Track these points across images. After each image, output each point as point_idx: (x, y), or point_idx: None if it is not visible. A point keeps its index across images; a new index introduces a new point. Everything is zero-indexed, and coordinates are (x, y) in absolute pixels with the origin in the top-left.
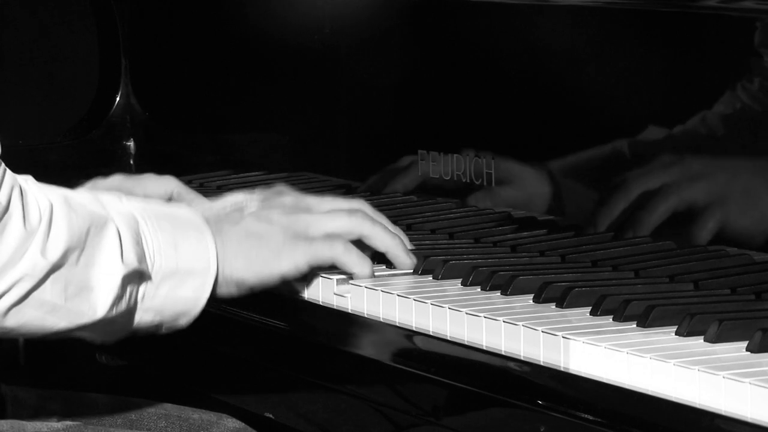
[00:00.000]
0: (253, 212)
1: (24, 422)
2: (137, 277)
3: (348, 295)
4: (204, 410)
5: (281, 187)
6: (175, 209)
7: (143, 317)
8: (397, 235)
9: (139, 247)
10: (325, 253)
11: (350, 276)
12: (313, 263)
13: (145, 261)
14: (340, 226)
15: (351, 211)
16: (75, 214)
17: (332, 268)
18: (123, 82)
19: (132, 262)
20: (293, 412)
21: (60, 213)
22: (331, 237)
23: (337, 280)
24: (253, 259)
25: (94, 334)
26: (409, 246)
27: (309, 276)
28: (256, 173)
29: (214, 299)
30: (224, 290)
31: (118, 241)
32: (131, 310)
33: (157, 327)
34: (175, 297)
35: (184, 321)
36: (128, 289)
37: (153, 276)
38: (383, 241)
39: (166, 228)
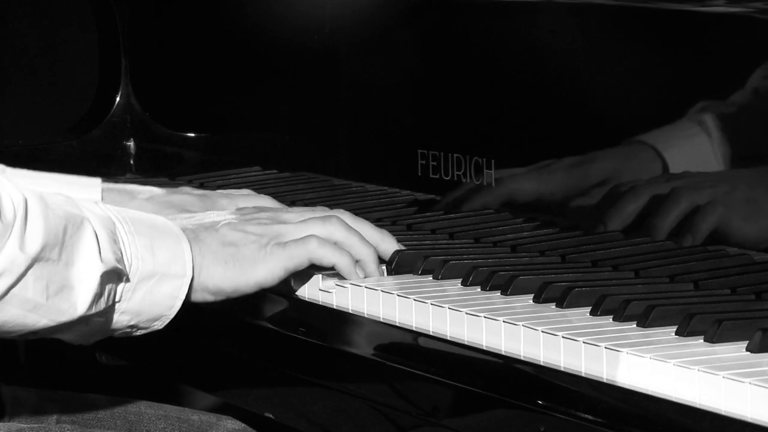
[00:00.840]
0: (228, 223)
1: (22, 426)
2: (115, 276)
3: (333, 290)
4: (204, 411)
5: (264, 201)
6: (151, 216)
7: (120, 319)
8: (371, 246)
9: (117, 246)
10: (298, 252)
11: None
12: (290, 267)
13: (123, 261)
14: (313, 232)
15: (325, 218)
16: (51, 211)
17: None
18: (123, 82)
19: (110, 261)
20: (293, 412)
21: (35, 208)
22: (304, 238)
23: (324, 275)
24: (229, 267)
25: (73, 335)
26: (397, 246)
27: (309, 276)
28: (256, 173)
29: (188, 305)
30: (199, 296)
31: (95, 239)
32: (109, 310)
33: (132, 329)
34: (151, 300)
35: (159, 324)
36: (107, 288)
37: (130, 277)
38: (356, 250)
39: (143, 231)
